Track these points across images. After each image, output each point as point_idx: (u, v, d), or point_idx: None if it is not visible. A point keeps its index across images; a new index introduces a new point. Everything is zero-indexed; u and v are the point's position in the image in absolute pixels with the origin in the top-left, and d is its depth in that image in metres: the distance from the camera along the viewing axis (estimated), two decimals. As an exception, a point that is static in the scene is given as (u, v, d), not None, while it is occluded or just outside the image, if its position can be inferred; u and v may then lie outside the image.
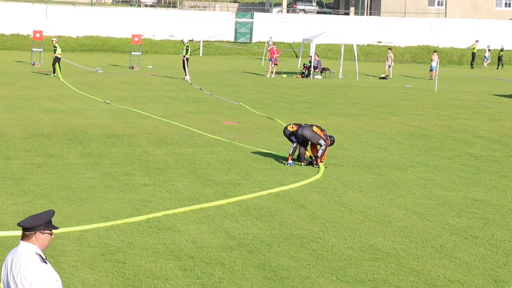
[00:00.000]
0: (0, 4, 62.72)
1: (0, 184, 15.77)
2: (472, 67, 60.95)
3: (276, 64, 46.92)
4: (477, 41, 62.12)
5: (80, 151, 19.51)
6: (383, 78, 47.50)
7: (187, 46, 41.76)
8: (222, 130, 23.86)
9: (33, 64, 46.98)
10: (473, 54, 61.43)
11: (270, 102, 32.37)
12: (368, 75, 47.79)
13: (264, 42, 64.34)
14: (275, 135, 23.33)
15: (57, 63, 40.23)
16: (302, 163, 18.79)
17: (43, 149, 19.57)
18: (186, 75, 40.81)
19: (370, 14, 72.96)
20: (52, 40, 43.23)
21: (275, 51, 46.77)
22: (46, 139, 21.04)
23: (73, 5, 65.94)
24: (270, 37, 62.90)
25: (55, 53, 40.53)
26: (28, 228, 6.42)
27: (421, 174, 18.37)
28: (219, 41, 65.42)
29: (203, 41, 64.04)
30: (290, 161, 18.78)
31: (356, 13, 73.69)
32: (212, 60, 58.44)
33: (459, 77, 50.66)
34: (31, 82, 37.14)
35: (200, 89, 36.30)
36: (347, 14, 75.34)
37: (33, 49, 49.12)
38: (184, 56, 41.24)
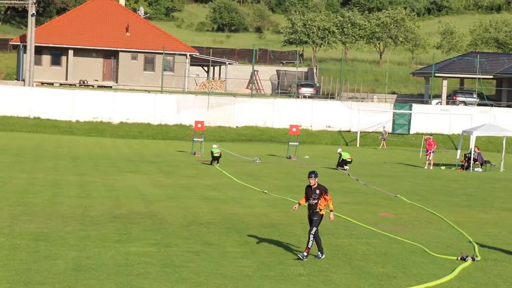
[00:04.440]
0: (165, 97, 65.44)
1: (160, 271, 16.23)
2: None
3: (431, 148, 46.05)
4: None
5: (237, 240, 19.82)
6: (548, 171, 45.79)
7: (340, 154, 42.00)
8: (378, 221, 23.65)
9: (194, 154, 48.44)
10: None
11: (428, 194, 31.85)
12: (532, 168, 46.24)
13: (422, 134, 63.79)
14: (433, 228, 22.88)
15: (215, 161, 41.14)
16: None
17: (201, 237, 20.02)
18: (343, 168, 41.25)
19: (534, 105, 70.95)
20: (212, 147, 42.76)
21: (432, 143, 46.18)
22: (204, 227, 21.53)
23: (234, 96, 67.94)
24: (384, 127, 62.85)
25: (213, 155, 41.31)
26: None
27: None
28: (376, 132, 65.36)
29: (360, 132, 64.18)
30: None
31: (518, 104, 71.85)
32: (368, 151, 58.37)
33: None
34: (192, 171, 38.25)
35: (357, 179, 36.25)
36: (510, 106, 73.61)
37: (194, 139, 50.73)
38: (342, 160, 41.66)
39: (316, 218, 17.69)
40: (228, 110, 65.05)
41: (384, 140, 62.10)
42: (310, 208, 17.79)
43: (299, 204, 18.29)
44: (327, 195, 17.78)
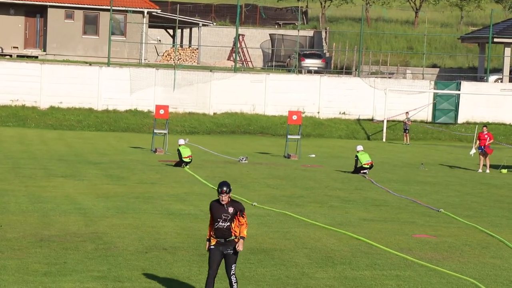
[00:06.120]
0: (114, 71, 65.12)
1: (106, 314, 16.19)
2: None
3: (490, 153, 46.13)
4: None
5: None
6: None
7: (356, 156, 41.86)
8: (413, 246, 23.68)
9: (155, 151, 48.30)
10: None
11: (483, 208, 31.90)
12: None
13: (475, 123, 63.90)
14: (491, 255, 22.92)
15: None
16: None
17: (164, 268, 19.96)
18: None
19: None
20: (179, 143, 42.36)
21: (486, 136, 46.19)
22: (169, 254, 21.47)
23: (210, 71, 67.69)
24: (407, 113, 62.77)
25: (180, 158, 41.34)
26: None
27: None
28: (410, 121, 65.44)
29: (387, 121, 64.17)
30: None
31: None
32: (399, 148, 58.31)
33: None
34: (151, 175, 38.15)
35: (381, 187, 36.25)
36: None
37: (155, 131, 50.52)
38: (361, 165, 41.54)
39: (231, 252, 16.51)
40: (202, 90, 64.94)
41: (407, 132, 61.97)
42: (219, 235, 16.50)
43: (210, 239, 16.73)
44: (243, 216, 16.53)
